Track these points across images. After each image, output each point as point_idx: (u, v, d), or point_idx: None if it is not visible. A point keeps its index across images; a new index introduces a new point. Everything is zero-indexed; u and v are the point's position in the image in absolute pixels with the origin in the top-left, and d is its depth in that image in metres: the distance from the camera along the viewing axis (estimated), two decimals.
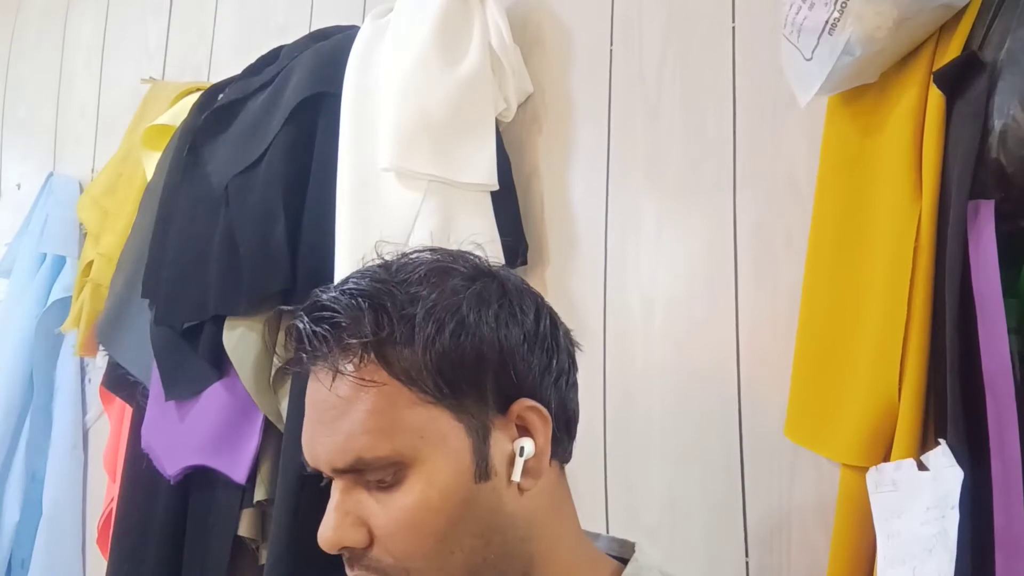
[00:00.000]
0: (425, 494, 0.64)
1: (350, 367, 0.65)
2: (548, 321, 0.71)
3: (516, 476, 0.67)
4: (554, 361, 0.70)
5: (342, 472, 0.66)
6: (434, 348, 0.65)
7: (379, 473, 0.65)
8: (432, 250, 0.72)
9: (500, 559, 0.67)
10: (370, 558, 0.65)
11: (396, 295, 0.66)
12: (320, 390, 0.67)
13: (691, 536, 1.05)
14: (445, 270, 0.69)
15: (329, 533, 0.66)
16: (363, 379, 0.65)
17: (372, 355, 0.65)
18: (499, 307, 0.68)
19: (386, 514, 0.65)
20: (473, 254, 0.73)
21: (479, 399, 0.66)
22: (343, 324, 0.65)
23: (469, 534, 0.65)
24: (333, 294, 0.67)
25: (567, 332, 0.74)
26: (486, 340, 0.66)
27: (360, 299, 0.66)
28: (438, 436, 0.65)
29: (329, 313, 0.66)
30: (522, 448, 0.67)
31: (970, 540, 0.73)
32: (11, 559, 1.87)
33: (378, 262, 0.71)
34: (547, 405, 0.69)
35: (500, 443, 0.67)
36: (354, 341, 0.65)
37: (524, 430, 0.68)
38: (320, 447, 0.67)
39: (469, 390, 0.66)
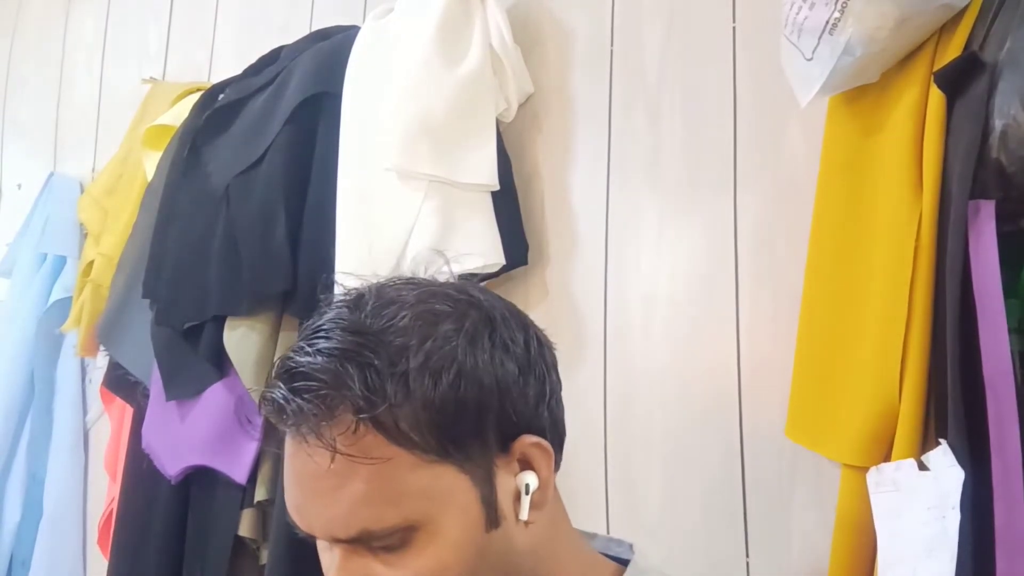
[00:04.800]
0: (438, 555, 0.61)
1: (343, 440, 0.59)
2: (536, 343, 0.68)
3: (524, 515, 0.64)
4: (546, 385, 0.67)
5: (346, 541, 0.62)
6: (434, 404, 0.60)
7: (387, 540, 0.61)
8: (407, 283, 0.67)
9: None
10: None
11: (382, 350, 0.60)
12: (306, 460, 0.61)
13: (691, 536, 1.05)
14: (431, 313, 0.63)
15: None
16: (360, 453, 0.59)
17: (367, 423, 0.59)
18: (491, 344, 0.64)
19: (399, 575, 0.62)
20: (451, 283, 0.68)
21: (482, 445, 0.63)
22: (329, 393, 0.59)
23: None
24: (309, 357, 0.60)
25: (549, 346, 0.70)
26: (485, 384, 0.62)
27: (342, 361, 0.60)
28: (445, 494, 0.61)
29: (311, 382, 0.59)
30: (527, 485, 0.64)
31: (971, 540, 0.73)
32: (12, 559, 1.87)
33: (344, 303, 0.64)
34: (545, 433, 0.66)
35: (504, 484, 0.64)
36: (345, 411, 0.59)
37: (526, 463, 0.65)
38: (317, 518, 0.62)
39: (472, 439, 0.62)
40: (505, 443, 0.64)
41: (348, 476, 0.60)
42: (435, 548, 0.61)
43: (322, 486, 0.61)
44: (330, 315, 0.64)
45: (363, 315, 0.63)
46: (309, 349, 0.61)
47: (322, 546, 0.65)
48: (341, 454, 0.59)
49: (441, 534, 0.61)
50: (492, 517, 0.63)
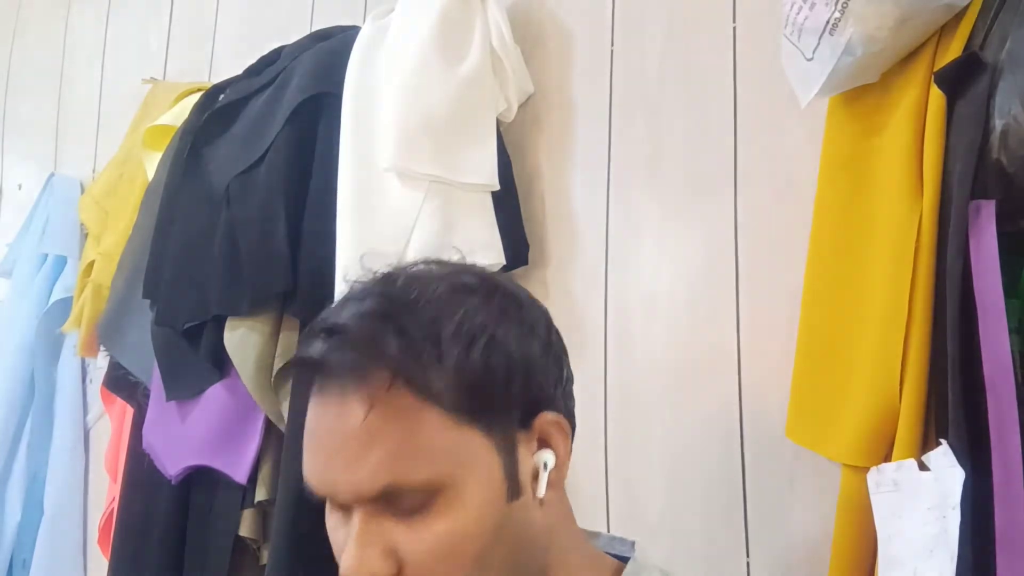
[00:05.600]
0: (461, 519, 0.62)
1: (378, 395, 0.61)
2: (554, 330, 0.70)
3: (541, 492, 0.65)
4: (563, 370, 0.69)
5: (368, 501, 0.62)
6: (465, 369, 0.62)
7: (410, 499, 0.61)
8: (434, 263, 0.69)
9: (525, 574, 0.66)
10: None
11: (416, 315, 0.62)
12: (336, 417, 0.62)
13: (692, 536, 1.05)
14: (463, 285, 0.66)
15: (356, 565, 0.61)
16: (393, 408, 0.61)
17: (401, 379, 0.61)
18: (519, 321, 0.66)
19: (419, 542, 0.61)
20: (475, 265, 0.71)
21: (506, 416, 0.64)
22: (368, 349, 0.61)
23: (501, 555, 0.64)
24: (346, 316, 0.63)
25: (560, 336, 0.72)
26: (513, 356, 0.64)
27: (379, 320, 0.62)
28: (471, 458, 0.63)
29: (348, 336, 0.62)
30: (545, 463, 0.66)
31: (971, 540, 0.73)
32: (12, 559, 1.87)
33: (374, 277, 0.67)
34: (562, 414, 0.68)
35: (525, 459, 0.65)
36: (381, 365, 0.61)
37: (544, 443, 0.66)
38: (341, 475, 0.62)
39: (498, 408, 0.64)
40: (526, 419, 0.65)
41: (380, 430, 0.61)
42: (457, 513, 0.62)
43: (353, 441, 0.61)
44: (361, 287, 0.66)
45: (396, 286, 0.65)
46: (345, 311, 0.63)
47: (334, 521, 0.65)
48: (376, 407, 0.61)
49: (464, 499, 0.62)
50: (513, 489, 0.64)
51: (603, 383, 1.16)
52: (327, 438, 0.63)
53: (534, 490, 0.66)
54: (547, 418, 0.66)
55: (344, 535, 0.64)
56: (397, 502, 0.62)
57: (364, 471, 0.61)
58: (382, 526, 0.62)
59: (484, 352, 0.63)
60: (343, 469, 0.62)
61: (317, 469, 0.64)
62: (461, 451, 0.62)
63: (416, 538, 0.62)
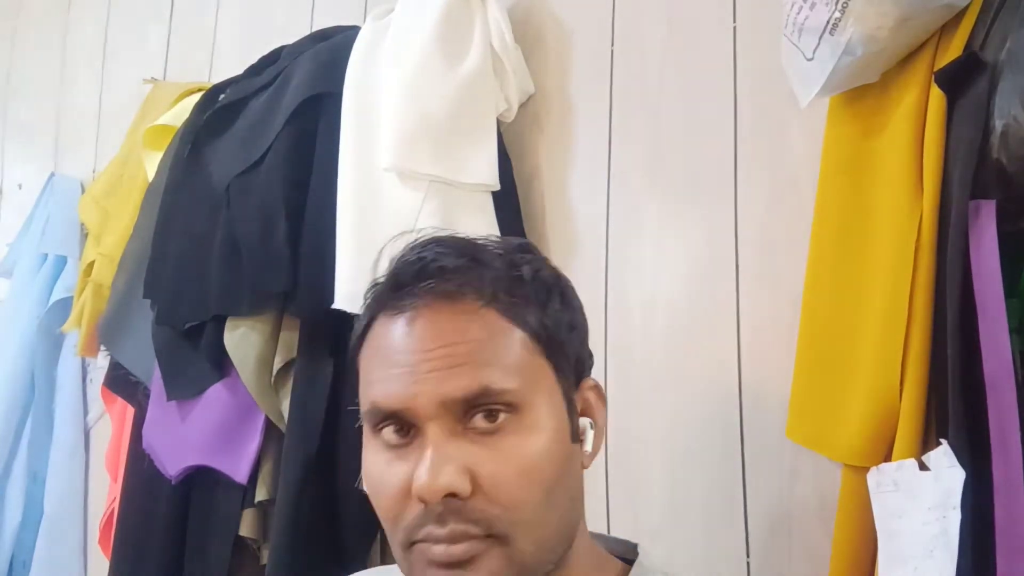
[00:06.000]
0: (536, 442, 0.62)
1: (474, 308, 0.63)
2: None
3: (589, 446, 0.68)
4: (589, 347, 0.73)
5: (451, 412, 0.61)
6: (546, 308, 0.66)
7: (495, 408, 0.62)
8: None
9: (572, 530, 0.67)
10: (472, 509, 0.60)
11: (500, 256, 0.66)
12: (439, 321, 0.63)
13: (692, 536, 1.05)
14: (520, 244, 0.70)
15: (434, 477, 0.59)
16: (487, 320, 0.63)
17: (493, 302, 0.64)
18: (570, 287, 0.71)
19: (497, 460, 0.61)
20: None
21: (567, 366, 0.67)
22: (459, 271, 0.64)
23: (565, 495, 0.65)
24: (430, 253, 0.65)
25: None
26: (576, 313, 0.70)
27: (467, 254, 0.65)
28: (547, 389, 0.65)
29: (440, 263, 0.64)
30: (590, 422, 0.68)
31: (971, 540, 0.73)
32: (12, 559, 1.87)
33: (434, 236, 0.68)
34: None
35: (574, 414, 0.68)
36: (473, 288, 0.64)
37: (584, 410, 0.69)
38: (428, 385, 0.61)
39: (565, 356, 0.67)
40: (576, 380, 0.68)
41: (476, 339, 0.63)
42: (533, 435, 0.63)
43: (446, 350, 0.62)
44: (429, 236, 0.68)
45: (462, 237, 0.68)
46: (425, 251, 0.66)
47: (388, 457, 0.63)
48: (473, 319, 0.63)
49: (539, 423, 0.63)
50: (574, 432, 0.67)
51: (603, 383, 1.15)
52: (416, 349, 0.63)
53: (581, 446, 0.68)
54: (590, 383, 0.70)
55: (403, 467, 0.62)
56: (480, 412, 0.62)
57: (457, 377, 0.61)
58: (459, 445, 0.61)
59: (559, 300, 0.67)
60: (433, 378, 0.62)
61: (398, 383, 0.63)
62: (539, 378, 0.64)
63: (494, 457, 0.61)
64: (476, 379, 0.61)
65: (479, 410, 0.62)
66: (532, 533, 0.61)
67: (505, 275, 0.65)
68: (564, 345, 0.67)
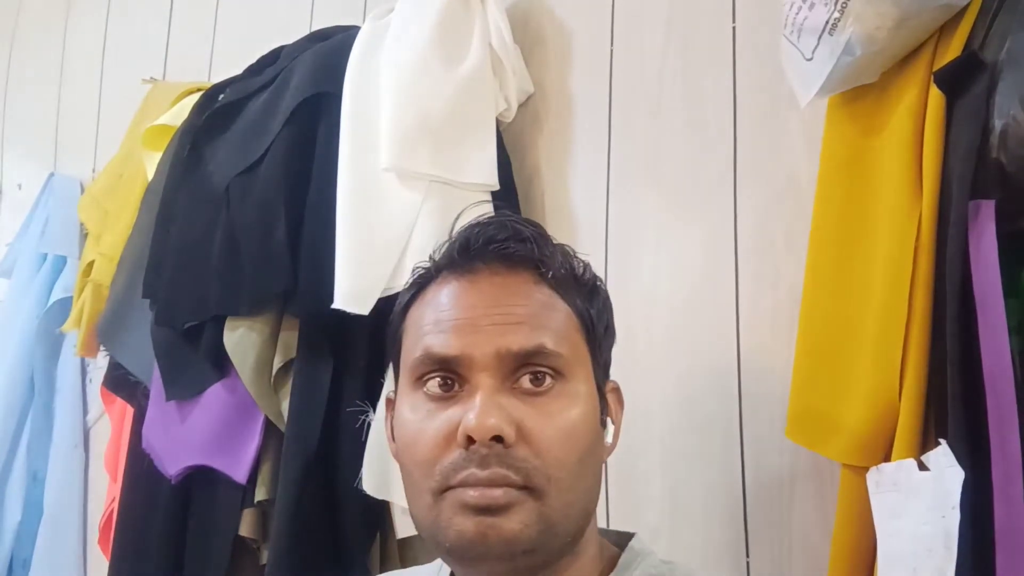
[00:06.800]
0: (579, 409, 0.66)
1: (532, 277, 0.69)
2: None
3: (609, 438, 0.72)
4: None
5: (508, 360, 0.65)
6: (592, 301, 0.71)
7: (542, 372, 0.65)
8: None
9: (591, 507, 0.69)
10: (515, 456, 0.63)
11: (559, 247, 0.72)
12: (493, 286, 0.68)
13: (691, 536, 1.05)
14: (571, 249, 0.74)
15: (482, 419, 0.62)
16: (544, 291, 0.68)
17: (548, 278, 0.69)
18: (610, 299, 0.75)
19: (542, 418, 0.65)
20: None
21: (599, 360, 0.71)
22: (522, 243, 0.69)
23: (592, 469, 0.68)
24: (507, 222, 0.70)
25: None
26: (612, 320, 0.74)
27: (533, 234, 0.70)
28: (587, 367, 0.69)
29: (503, 233, 0.69)
30: (609, 420, 0.72)
31: (971, 540, 0.73)
32: (12, 559, 1.87)
33: (504, 212, 0.75)
34: None
35: (604, 402, 0.72)
36: (532, 263, 0.69)
37: (604, 410, 0.72)
38: (488, 332, 0.65)
39: (600, 350, 0.71)
40: (602, 379, 0.72)
41: (536, 302, 0.68)
42: (574, 403, 0.66)
43: (508, 306, 0.67)
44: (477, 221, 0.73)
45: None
46: (505, 218, 0.72)
47: (430, 408, 0.66)
48: (533, 288, 0.68)
49: (579, 395, 0.67)
50: (603, 416, 0.71)
51: None
52: (477, 304, 0.67)
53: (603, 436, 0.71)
54: (612, 385, 0.74)
55: (447, 414, 0.65)
56: (530, 371, 0.65)
57: (515, 332, 0.65)
58: (507, 399, 0.65)
59: (601, 301, 0.73)
60: (492, 331, 0.65)
61: (456, 333, 0.66)
62: (581, 354, 0.69)
63: (539, 415, 0.65)
64: (532, 338, 0.65)
65: (528, 370, 0.65)
66: (563, 495, 0.64)
67: (562, 262, 0.70)
68: (601, 338, 0.72)
